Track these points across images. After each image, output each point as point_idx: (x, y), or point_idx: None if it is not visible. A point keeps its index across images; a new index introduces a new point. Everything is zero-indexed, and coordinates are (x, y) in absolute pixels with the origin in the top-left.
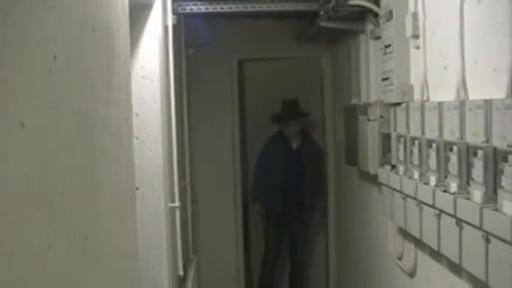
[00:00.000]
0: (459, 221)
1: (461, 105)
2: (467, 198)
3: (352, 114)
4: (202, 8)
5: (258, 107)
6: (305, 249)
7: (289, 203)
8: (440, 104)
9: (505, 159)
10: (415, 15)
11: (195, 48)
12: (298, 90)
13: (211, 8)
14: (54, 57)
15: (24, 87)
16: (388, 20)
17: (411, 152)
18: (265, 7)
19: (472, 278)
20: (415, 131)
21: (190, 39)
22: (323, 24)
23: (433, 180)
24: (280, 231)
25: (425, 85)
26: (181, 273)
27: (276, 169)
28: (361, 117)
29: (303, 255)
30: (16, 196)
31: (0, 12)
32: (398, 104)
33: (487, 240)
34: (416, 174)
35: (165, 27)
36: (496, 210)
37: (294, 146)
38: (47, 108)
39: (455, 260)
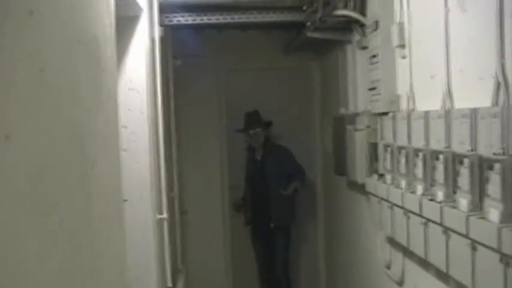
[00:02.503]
0: (446, 230)
1: (447, 114)
2: (454, 207)
3: (340, 124)
4: (189, 19)
5: (243, 116)
6: (286, 266)
7: (261, 219)
8: (426, 113)
9: (491, 167)
10: (401, 25)
11: (183, 59)
12: (286, 101)
13: (198, 20)
14: (41, 70)
15: (9, 100)
16: (375, 30)
17: (398, 161)
18: (252, 18)
19: (459, 286)
20: (402, 141)
21: (178, 50)
22: (310, 34)
23: (419, 189)
24: (261, 246)
25: (411, 94)
26: (169, 284)
27: (247, 182)
28: (348, 127)
29: (285, 271)
30: (5, 209)
31: None
32: (386, 113)
33: (474, 248)
34: (403, 183)
35: (152, 39)
36: (482, 218)
37: (258, 158)
38: (34, 121)
39: (443, 268)
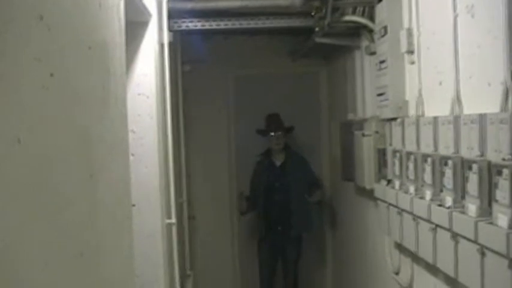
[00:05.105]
0: (454, 235)
1: (456, 119)
2: (463, 212)
3: (348, 130)
4: (198, 25)
5: (251, 122)
6: (297, 280)
7: (277, 227)
8: (435, 118)
9: (500, 173)
10: (409, 31)
11: (191, 64)
12: (294, 106)
13: (207, 25)
14: (51, 75)
15: (21, 104)
16: (383, 36)
17: (407, 166)
18: (260, 24)
19: None
20: (410, 146)
21: (187, 56)
22: (318, 40)
23: (428, 194)
24: (271, 256)
25: (420, 100)
26: None
27: (260, 190)
28: (356, 132)
29: (295, 281)
30: (13, 212)
31: None
32: (394, 119)
33: (483, 254)
34: (411, 189)
35: (161, 45)
36: (491, 223)
37: (277, 163)
38: (44, 124)
39: (452, 274)
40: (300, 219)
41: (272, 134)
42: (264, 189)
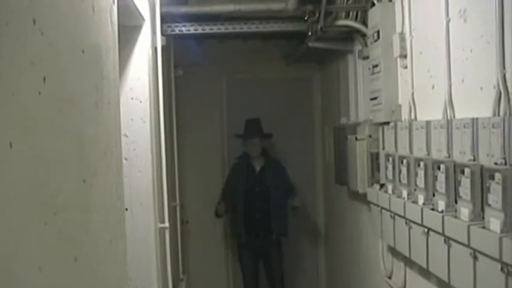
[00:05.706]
0: (447, 239)
1: (448, 123)
2: (455, 216)
3: (341, 134)
4: (191, 29)
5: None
6: (283, 279)
7: (258, 232)
8: (427, 122)
9: (492, 177)
10: (402, 35)
11: (185, 68)
12: (287, 110)
13: (200, 29)
14: (44, 79)
15: (12, 108)
16: (376, 40)
17: (399, 170)
18: (253, 28)
19: None
20: (403, 150)
21: (180, 60)
22: (311, 44)
23: (421, 198)
24: (254, 262)
25: (412, 104)
26: None
27: (239, 194)
28: (349, 136)
29: (281, 284)
30: (5, 217)
31: None
32: (387, 123)
33: (475, 258)
34: (404, 193)
35: (154, 49)
36: (483, 227)
37: (257, 168)
38: (35, 129)
39: (444, 278)
40: (279, 224)
41: (249, 140)
42: (244, 193)
